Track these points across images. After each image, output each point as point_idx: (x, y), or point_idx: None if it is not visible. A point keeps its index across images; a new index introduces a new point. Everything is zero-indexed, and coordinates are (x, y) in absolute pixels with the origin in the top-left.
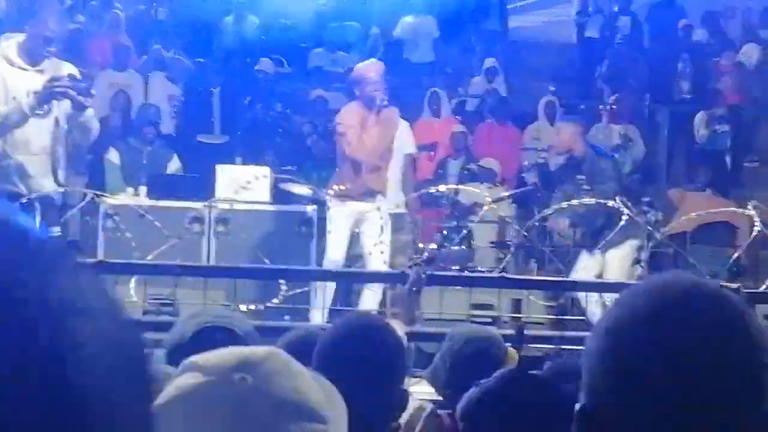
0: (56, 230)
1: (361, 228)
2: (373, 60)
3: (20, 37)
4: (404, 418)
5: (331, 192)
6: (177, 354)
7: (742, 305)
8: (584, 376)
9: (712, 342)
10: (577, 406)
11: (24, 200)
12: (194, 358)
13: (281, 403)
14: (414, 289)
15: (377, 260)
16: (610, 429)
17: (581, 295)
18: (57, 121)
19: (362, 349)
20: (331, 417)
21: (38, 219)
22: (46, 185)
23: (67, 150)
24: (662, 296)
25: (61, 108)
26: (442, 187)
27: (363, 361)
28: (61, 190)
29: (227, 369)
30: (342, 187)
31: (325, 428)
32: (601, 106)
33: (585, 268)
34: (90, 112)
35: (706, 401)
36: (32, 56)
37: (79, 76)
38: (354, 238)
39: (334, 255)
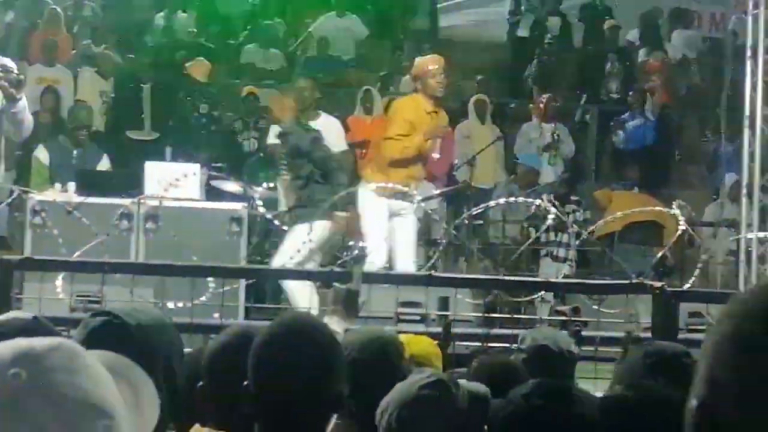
0: None
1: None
2: (435, 55)
3: None
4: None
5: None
6: None
7: None
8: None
9: None
10: (695, 402)
11: None
12: None
13: (59, 399)
14: (354, 287)
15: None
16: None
17: None
18: None
19: (295, 349)
20: (122, 412)
21: None
22: None
23: None
24: None
25: None
26: (371, 185)
27: (296, 361)
28: None
29: (2, 364)
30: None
31: (110, 424)
32: (531, 105)
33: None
34: (22, 104)
35: None
36: None
37: (13, 68)
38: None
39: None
